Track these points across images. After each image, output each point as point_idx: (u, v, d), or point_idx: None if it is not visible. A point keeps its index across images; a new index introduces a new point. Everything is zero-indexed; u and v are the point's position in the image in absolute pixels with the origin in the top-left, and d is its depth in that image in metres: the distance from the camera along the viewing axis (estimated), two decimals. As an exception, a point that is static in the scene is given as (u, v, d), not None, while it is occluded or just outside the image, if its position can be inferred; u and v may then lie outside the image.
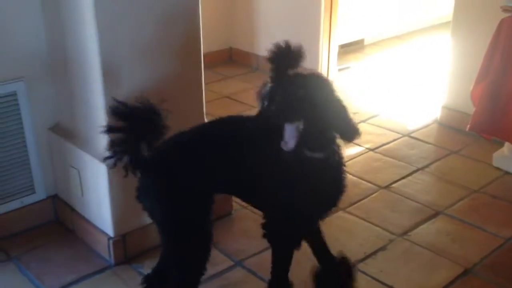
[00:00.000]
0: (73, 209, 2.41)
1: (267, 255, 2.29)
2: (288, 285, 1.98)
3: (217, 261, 2.28)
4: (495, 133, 2.92)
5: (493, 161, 2.99)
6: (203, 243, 1.84)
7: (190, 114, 2.39)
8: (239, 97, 4.01)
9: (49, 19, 2.26)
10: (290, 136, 1.64)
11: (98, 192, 2.23)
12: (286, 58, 1.87)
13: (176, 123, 2.32)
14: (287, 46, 1.87)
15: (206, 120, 2.48)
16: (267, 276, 2.17)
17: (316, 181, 1.74)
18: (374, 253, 2.33)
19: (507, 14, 2.74)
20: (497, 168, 2.96)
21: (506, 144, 2.96)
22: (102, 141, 2.16)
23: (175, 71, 2.28)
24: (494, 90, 2.80)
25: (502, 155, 2.98)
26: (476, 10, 3.20)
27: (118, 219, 2.22)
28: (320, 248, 2.05)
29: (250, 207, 2.63)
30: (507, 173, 2.93)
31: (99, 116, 2.14)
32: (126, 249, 2.26)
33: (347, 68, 4.57)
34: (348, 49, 4.92)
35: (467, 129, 2.97)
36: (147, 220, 2.29)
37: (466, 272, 2.22)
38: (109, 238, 2.23)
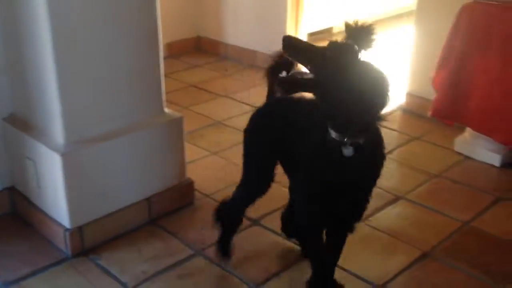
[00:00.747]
0: (29, 201, 2.37)
1: (227, 244, 2.31)
2: (329, 284, 1.94)
3: (176, 250, 2.27)
4: (456, 119, 2.96)
5: (455, 146, 3.02)
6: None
7: (148, 103, 2.37)
8: (207, 86, 3.98)
9: (1, 10, 2.21)
10: None
11: (54, 184, 2.20)
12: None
13: (134, 112, 2.33)
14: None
15: (165, 110, 2.46)
16: (227, 265, 2.18)
17: (327, 165, 1.69)
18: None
19: (467, 1, 2.77)
20: (458, 153, 3.00)
21: (467, 129, 3.00)
22: (58, 132, 2.14)
23: (132, 60, 2.26)
24: (454, 76, 2.83)
25: (463, 140, 3.01)
26: (438, -3, 3.22)
27: (74, 211, 2.19)
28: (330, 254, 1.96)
29: (212, 196, 2.64)
30: (467, 157, 2.96)
31: (54, 107, 2.11)
32: (83, 241, 2.23)
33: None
34: (317, 37, 4.91)
35: (429, 115, 3.00)
36: (104, 210, 2.29)
37: (424, 256, 2.24)
38: (66, 229, 2.21)
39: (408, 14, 4.99)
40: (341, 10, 5.07)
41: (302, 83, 1.66)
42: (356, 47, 1.61)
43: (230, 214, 2.13)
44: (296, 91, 1.72)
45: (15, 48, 2.22)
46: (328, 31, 5.05)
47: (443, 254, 2.26)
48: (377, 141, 1.75)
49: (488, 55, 2.70)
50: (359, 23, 1.68)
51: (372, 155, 1.70)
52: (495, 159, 2.87)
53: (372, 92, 1.56)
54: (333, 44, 1.65)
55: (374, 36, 1.67)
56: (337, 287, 1.98)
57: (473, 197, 2.63)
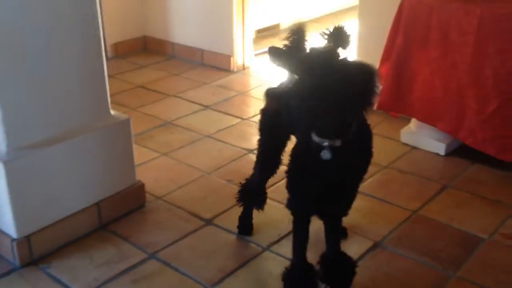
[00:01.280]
0: (-28, 212, 2.28)
1: (182, 245, 2.30)
2: (299, 264, 1.98)
3: (129, 254, 2.24)
4: (401, 110, 3.03)
5: (401, 137, 3.10)
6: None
7: (93, 105, 2.32)
8: (154, 86, 3.93)
9: None
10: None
11: (-3, 193, 2.12)
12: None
13: (79, 116, 2.27)
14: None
15: (112, 112, 2.41)
16: (182, 266, 2.16)
17: (309, 165, 1.78)
18: (288, 234, 2.35)
19: (408, -6, 2.83)
20: (405, 144, 3.07)
21: (412, 120, 3.07)
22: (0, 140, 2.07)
23: (74, 61, 2.20)
24: (397, 69, 2.90)
25: (409, 131, 3.09)
26: (379, -9, 3.28)
27: (20, 219, 2.13)
28: (327, 236, 2.04)
29: (164, 198, 2.61)
30: (414, 148, 3.04)
31: (-4, 115, 2.04)
32: (32, 250, 2.17)
33: (264, 52, 4.58)
34: (265, 33, 4.94)
35: (374, 108, 3.04)
36: (53, 218, 2.22)
37: (375, 246, 2.29)
38: (13, 239, 2.13)
39: (353, 8, 5.07)
40: (288, 6, 5.11)
41: (285, 94, 1.71)
42: (336, 50, 1.70)
43: (252, 192, 2.26)
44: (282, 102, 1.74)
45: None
46: (275, 27, 5.08)
47: (393, 243, 2.31)
48: (362, 141, 1.85)
49: (428, 47, 2.78)
50: (335, 26, 1.84)
51: (354, 155, 1.78)
52: (440, 148, 2.96)
53: (344, 97, 1.59)
54: (313, 50, 1.72)
55: (350, 36, 1.85)
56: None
57: (421, 186, 2.70)
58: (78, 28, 2.19)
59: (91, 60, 2.26)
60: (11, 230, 2.13)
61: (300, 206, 1.92)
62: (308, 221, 1.96)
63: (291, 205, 1.93)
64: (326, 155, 1.72)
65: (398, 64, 2.89)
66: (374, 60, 3.06)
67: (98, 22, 2.25)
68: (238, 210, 2.34)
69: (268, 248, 2.28)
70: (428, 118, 2.90)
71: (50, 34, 2.10)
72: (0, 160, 2.05)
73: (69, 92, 2.22)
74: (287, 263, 2.09)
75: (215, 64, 4.24)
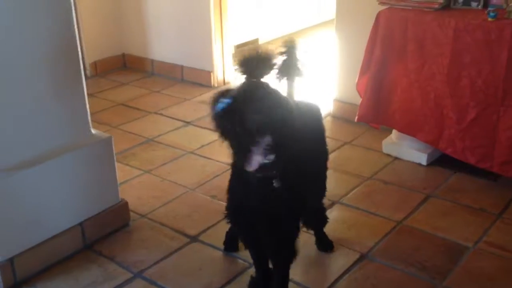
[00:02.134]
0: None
1: (167, 263, 2.28)
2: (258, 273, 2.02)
3: (114, 274, 2.21)
4: (381, 122, 3.06)
5: (383, 148, 3.13)
6: None
7: (73, 125, 2.30)
8: (135, 104, 3.92)
9: None
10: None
11: (-22, 215, 2.08)
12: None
13: (59, 136, 2.24)
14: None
15: (92, 131, 2.39)
16: (168, 285, 2.14)
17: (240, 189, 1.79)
18: (275, 248, 2.35)
19: (384, 7, 2.88)
20: (387, 155, 3.10)
21: (393, 131, 3.11)
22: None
23: (52, 81, 2.18)
24: (376, 81, 2.93)
25: (391, 142, 3.12)
26: (356, 5, 3.33)
27: (3, 242, 2.09)
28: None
29: (148, 216, 2.58)
30: (396, 158, 3.07)
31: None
32: (15, 273, 2.13)
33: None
34: (244, 49, 4.96)
35: (355, 120, 3.08)
36: (36, 239, 2.19)
37: (362, 257, 2.29)
38: (-4, 262, 2.10)
39: (330, 22, 5.13)
40: (266, 21, 5.15)
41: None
42: (263, 84, 1.66)
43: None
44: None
45: None
46: (254, 42, 5.11)
47: (380, 254, 2.32)
48: (294, 176, 1.76)
49: (405, 59, 2.82)
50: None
51: (284, 186, 1.72)
52: (422, 158, 2.99)
53: (259, 126, 1.56)
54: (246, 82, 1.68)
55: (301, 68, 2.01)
56: None
57: (405, 197, 2.72)
58: (56, 47, 2.17)
59: (70, 80, 2.25)
60: (-6, 253, 2.10)
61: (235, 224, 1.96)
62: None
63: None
64: (253, 179, 1.70)
65: (377, 76, 2.93)
66: (354, 73, 3.12)
67: (76, 41, 2.24)
68: (224, 226, 2.32)
69: (255, 263, 2.26)
70: (408, 129, 2.93)
71: (27, 54, 2.08)
72: (-18, 180, 2.02)
73: (49, 112, 2.19)
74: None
75: (196, 80, 4.24)
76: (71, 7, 2.18)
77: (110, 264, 2.27)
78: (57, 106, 2.21)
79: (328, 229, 2.46)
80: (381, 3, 2.88)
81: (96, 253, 2.33)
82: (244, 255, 2.30)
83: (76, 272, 2.22)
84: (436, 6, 2.74)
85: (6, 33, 2.01)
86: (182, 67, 4.31)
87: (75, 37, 2.22)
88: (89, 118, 2.35)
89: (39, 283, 2.15)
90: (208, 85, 4.16)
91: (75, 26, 2.22)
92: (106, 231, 2.42)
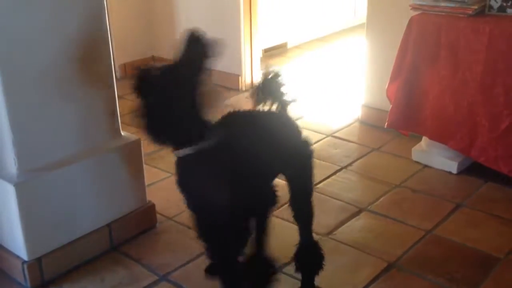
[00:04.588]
0: (-17, 235, 2.27)
1: (193, 266, 2.27)
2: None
3: (141, 277, 2.21)
4: (411, 129, 3.01)
5: (412, 156, 3.08)
6: None
7: (103, 127, 2.32)
8: (163, 106, 3.93)
9: None
10: None
11: (8, 215, 2.11)
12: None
13: (90, 137, 2.26)
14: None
15: (122, 133, 2.41)
16: (193, 288, 2.14)
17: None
18: (301, 255, 2.33)
19: (416, 12, 2.84)
20: (417, 162, 3.05)
21: (423, 138, 3.05)
22: (10, 161, 2.06)
23: (84, 84, 2.20)
24: (407, 87, 2.89)
25: (420, 149, 3.07)
26: (388, 10, 3.29)
27: (31, 242, 2.11)
28: None
29: (175, 219, 2.59)
30: (426, 166, 3.01)
31: (5, 136, 2.03)
32: (43, 272, 2.15)
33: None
34: (272, 53, 4.96)
35: (385, 126, 3.04)
36: (64, 240, 2.21)
37: (389, 267, 2.25)
38: (23, 262, 2.12)
39: (360, 26, 5.09)
40: (294, 26, 5.13)
41: None
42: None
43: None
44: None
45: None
46: (282, 46, 5.10)
47: (408, 264, 2.27)
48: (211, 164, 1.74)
49: (438, 65, 2.77)
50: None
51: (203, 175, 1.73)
52: (452, 167, 2.93)
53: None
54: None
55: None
56: None
57: (434, 205, 2.67)
58: (88, 49, 2.19)
59: (102, 81, 2.27)
60: (22, 253, 2.12)
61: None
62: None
63: None
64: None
65: (408, 83, 2.88)
66: (384, 78, 3.08)
67: (108, 43, 2.26)
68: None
69: (280, 269, 2.24)
70: (439, 136, 2.88)
71: (59, 55, 2.10)
72: (11, 182, 2.04)
73: (80, 113, 2.21)
74: (298, 284, 2.08)
75: (224, 83, 4.24)
76: (104, 9, 2.20)
77: (136, 266, 2.27)
78: (88, 108, 2.23)
79: (354, 237, 2.44)
80: (414, 8, 2.84)
81: (123, 254, 2.34)
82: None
83: (102, 273, 2.23)
84: (470, 12, 2.68)
85: (39, 33, 2.03)
86: (210, 70, 4.31)
87: (107, 38, 2.23)
88: (119, 120, 2.37)
89: (65, 284, 2.17)
90: (236, 89, 4.16)
91: (108, 28, 2.24)
92: (133, 232, 2.43)
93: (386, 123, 3.02)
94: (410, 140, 3.15)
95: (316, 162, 3.02)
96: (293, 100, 2.03)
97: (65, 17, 2.09)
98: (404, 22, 2.85)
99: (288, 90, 2.01)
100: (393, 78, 2.95)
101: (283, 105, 2.01)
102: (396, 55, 2.92)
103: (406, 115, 2.93)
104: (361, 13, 5.40)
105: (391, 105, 2.99)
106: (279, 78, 2.00)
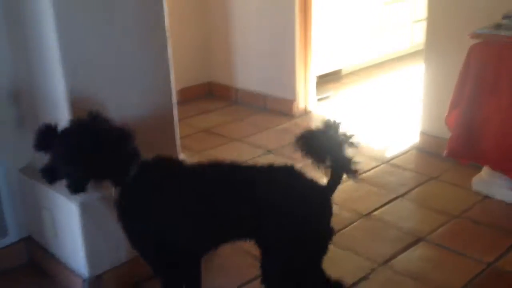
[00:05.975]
0: (46, 251, 2.35)
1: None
2: None
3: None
4: (472, 158, 2.93)
5: (472, 186, 2.99)
6: None
7: (163, 148, 2.36)
8: (218, 130, 4.00)
9: (16, 54, 2.24)
10: None
11: (71, 233, 2.18)
12: None
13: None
14: None
15: (180, 155, 2.46)
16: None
17: None
18: (356, 283, 2.30)
19: (476, 41, 2.79)
20: (477, 193, 2.96)
21: (484, 168, 2.97)
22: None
23: (146, 106, 2.27)
24: (468, 116, 2.82)
25: (481, 179, 2.98)
26: (447, 37, 3.25)
27: (92, 259, 2.17)
28: None
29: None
30: (486, 197, 2.92)
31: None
32: (102, 290, 2.20)
33: (326, 97, 4.60)
34: (327, 79, 4.97)
35: (444, 155, 2.98)
36: (124, 257, 2.26)
37: (449, 300, 2.19)
38: (84, 279, 2.18)
39: (418, 53, 5.04)
40: (350, 51, 5.13)
41: None
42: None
43: None
44: None
45: (29, 99, 2.25)
46: (337, 73, 5.10)
47: (468, 297, 2.21)
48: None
49: (499, 94, 2.70)
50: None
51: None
52: (515, 198, 2.83)
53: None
54: None
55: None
56: None
57: (495, 237, 2.58)
58: (152, 76, 2.27)
59: (163, 107, 2.33)
60: (83, 270, 2.18)
61: None
62: None
63: None
64: None
65: (468, 112, 2.82)
66: (443, 105, 3.03)
67: (170, 69, 2.34)
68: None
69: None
70: (501, 166, 2.80)
71: (126, 81, 2.18)
72: (75, 201, 2.11)
73: (142, 137, 2.27)
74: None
75: (278, 108, 4.28)
76: (166, 39, 2.28)
77: (192, 287, 2.29)
78: (150, 130, 2.28)
79: (412, 267, 2.38)
80: (473, 37, 2.79)
81: (179, 275, 2.36)
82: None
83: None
84: (532, 40, 2.62)
85: (109, 68, 2.12)
86: (265, 96, 4.37)
87: (169, 63, 2.31)
88: (179, 143, 2.42)
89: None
90: (289, 114, 4.18)
91: (170, 58, 2.32)
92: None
93: (445, 152, 2.95)
94: (468, 169, 3.07)
95: (371, 189, 3.06)
96: (352, 160, 1.71)
97: (131, 50, 2.18)
98: (464, 48, 2.80)
99: (347, 143, 1.71)
100: (453, 106, 2.89)
101: (340, 163, 1.71)
102: (456, 83, 2.87)
103: (467, 144, 2.86)
104: (418, 39, 5.37)
105: (450, 133, 2.93)
106: (335, 130, 1.70)
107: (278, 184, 1.74)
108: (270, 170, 1.80)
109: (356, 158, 1.71)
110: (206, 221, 1.77)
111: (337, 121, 1.71)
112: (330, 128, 1.70)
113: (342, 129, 1.70)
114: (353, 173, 1.72)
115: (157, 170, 1.84)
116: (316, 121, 4.11)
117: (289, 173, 1.77)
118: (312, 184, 1.75)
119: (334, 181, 1.74)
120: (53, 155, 1.76)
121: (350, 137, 1.70)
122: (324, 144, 1.70)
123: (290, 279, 1.74)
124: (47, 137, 1.78)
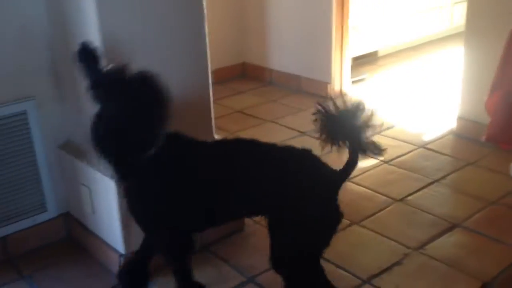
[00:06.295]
0: (84, 227, 2.41)
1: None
2: None
3: (228, 277, 2.26)
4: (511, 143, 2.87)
5: (510, 171, 2.93)
6: None
7: (198, 129, 2.38)
8: (252, 112, 4.00)
9: (58, 34, 2.28)
10: None
11: (108, 209, 2.23)
12: None
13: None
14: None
15: (215, 136, 2.47)
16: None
17: None
18: (390, 268, 2.28)
19: (518, 23, 2.71)
20: (515, 179, 2.90)
21: (524, 154, 2.91)
22: (112, 158, 2.17)
23: (182, 86, 2.28)
24: (509, 99, 2.75)
25: (520, 165, 2.92)
26: (488, 19, 3.16)
27: (128, 236, 2.21)
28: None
29: (262, 223, 2.61)
30: (525, 183, 2.86)
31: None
32: (136, 267, 2.24)
33: (361, 79, 4.55)
34: (362, 61, 4.90)
35: (483, 140, 2.92)
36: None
37: (484, 287, 2.16)
38: (120, 255, 2.22)
39: (458, 35, 4.92)
40: (386, 33, 5.04)
41: None
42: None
43: None
44: None
45: (70, 76, 2.28)
46: (373, 54, 5.03)
47: (504, 285, 2.17)
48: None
49: (542, 77, 2.63)
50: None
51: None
52: (555, 185, 2.76)
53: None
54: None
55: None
56: None
57: (534, 225, 2.53)
58: (189, 56, 2.29)
59: (199, 87, 2.34)
60: (119, 246, 2.23)
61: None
62: None
63: None
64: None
65: (510, 95, 2.75)
66: (482, 89, 2.96)
67: (206, 50, 2.34)
68: (338, 242, 2.29)
69: (368, 281, 2.21)
70: (542, 153, 2.73)
71: (164, 62, 2.19)
72: (113, 178, 2.15)
73: (177, 117, 2.29)
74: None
75: (312, 90, 4.25)
76: (204, 20, 2.28)
77: (225, 266, 2.32)
78: (186, 110, 2.30)
79: (446, 253, 2.36)
80: (517, 17, 2.71)
81: (212, 254, 2.40)
82: (357, 271, 2.26)
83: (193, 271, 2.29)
84: None
85: (149, 45, 2.14)
86: (299, 77, 4.34)
87: (206, 44, 2.31)
88: (213, 123, 2.44)
89: (159, 278, 2.25)
90: (324, 96, 4.15)
91: (206, 37, 2.32)
92: (223, 233, 2.48)
93: (484, 136, 2.89)
94: (507, 155, 3.00)
95: (407, 173, 3.02)
96: (374, 144, 1.69)
97: (169, 29, 2.19)
98: (506, 30, 2.72)
99: (370, 128, 1.67)
100: (493, 90, 2.83)
101: (359, 146, 1.69)
102: (497, 66, 2.79)
103: (507, 128, 2.79)
104: (458, 21, 5.24)
105: (490, 118, 2.87)
106: (359, 112, 1.66)
107: (290, 164, 1.79)
108: (286, 150, 1.85)
109: (375, 141, 1.69)
110: (221, 193, 1.81)
111: (360, 103, 1.67)
112: (349, 110, 1.68)
113: (363, 112, 1.66)
114: (374, 153, 1.70)
115: (178, 145, 1.88)
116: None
117: (303, 156, 1.81)
118: (322, 169, 1.79)
119: (348, 165, 1.75)
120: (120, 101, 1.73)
121: (370, 119, 1.66)
122: (341, 127, 1.69)
123: (295, 260, 1.81)
124: (89, 52, 1.77)
